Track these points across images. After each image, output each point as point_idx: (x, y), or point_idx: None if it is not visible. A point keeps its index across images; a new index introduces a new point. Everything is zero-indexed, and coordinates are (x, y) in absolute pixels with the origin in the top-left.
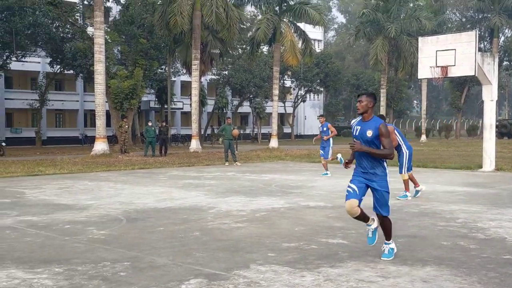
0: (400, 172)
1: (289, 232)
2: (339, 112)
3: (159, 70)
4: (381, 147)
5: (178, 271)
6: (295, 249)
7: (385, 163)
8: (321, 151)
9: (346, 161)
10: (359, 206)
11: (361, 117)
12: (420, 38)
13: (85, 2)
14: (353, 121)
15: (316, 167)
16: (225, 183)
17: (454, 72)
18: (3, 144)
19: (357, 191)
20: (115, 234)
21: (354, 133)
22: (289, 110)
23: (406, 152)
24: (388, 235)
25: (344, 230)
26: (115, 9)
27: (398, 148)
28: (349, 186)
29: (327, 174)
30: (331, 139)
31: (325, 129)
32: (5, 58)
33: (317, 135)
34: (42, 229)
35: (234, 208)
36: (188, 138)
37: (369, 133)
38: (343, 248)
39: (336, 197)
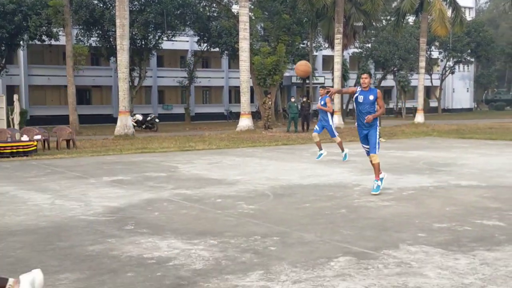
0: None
1: (440, 212)
2: (492, 84)
3: (301, 45)
4: None
5: (327, 248)
6: (447, 230)
7: None
8: (317, 126)
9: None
10: None
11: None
12: None
13: None
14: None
15: (468, 143)
16: None
17: None
18: (157, 120)
19: None
20: (263, 209)
21: None
22: (436, 82)
23: None
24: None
25: (501, 212)
26: None
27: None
28: None
29: (322, 155)
30: (329, 115)
31: (322, 102)
32: (157, 38)
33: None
34: (196, 202)
35: None
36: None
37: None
38: (500, 231)
39: (490, 176)
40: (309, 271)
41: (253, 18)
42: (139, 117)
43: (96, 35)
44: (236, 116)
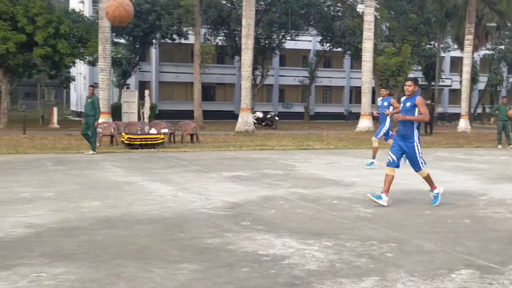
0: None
1: None
2: None
3: (428, 46)
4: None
5: (447, 259)
6: None
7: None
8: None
9: None
10: None
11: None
12: None
13: None
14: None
15: None
16: (498, 168)
17: None
18: (276, 118)
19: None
20: (381, 213)
21: None
22: None
23: None
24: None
25: None
26: None
27: None
28: None
29: (372, 164)
30: (388, 119)
31: (385, 104)
32: (281, 37)
33: None
34: (312, 202)
35: (508, 197)
36: (456, 117)
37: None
38: None
39: None
40: (427, 282)
41: (378, 17)
42: (259, 114)
43: (222, 34)
44: (356, 116)
